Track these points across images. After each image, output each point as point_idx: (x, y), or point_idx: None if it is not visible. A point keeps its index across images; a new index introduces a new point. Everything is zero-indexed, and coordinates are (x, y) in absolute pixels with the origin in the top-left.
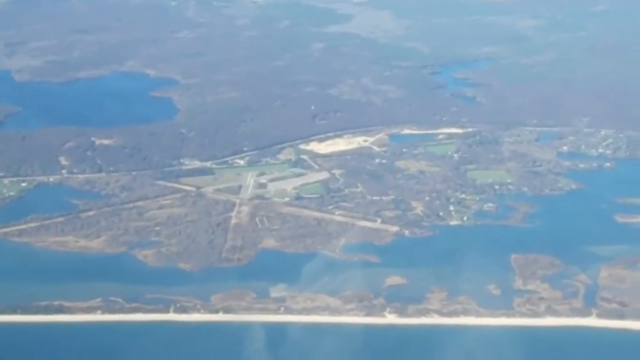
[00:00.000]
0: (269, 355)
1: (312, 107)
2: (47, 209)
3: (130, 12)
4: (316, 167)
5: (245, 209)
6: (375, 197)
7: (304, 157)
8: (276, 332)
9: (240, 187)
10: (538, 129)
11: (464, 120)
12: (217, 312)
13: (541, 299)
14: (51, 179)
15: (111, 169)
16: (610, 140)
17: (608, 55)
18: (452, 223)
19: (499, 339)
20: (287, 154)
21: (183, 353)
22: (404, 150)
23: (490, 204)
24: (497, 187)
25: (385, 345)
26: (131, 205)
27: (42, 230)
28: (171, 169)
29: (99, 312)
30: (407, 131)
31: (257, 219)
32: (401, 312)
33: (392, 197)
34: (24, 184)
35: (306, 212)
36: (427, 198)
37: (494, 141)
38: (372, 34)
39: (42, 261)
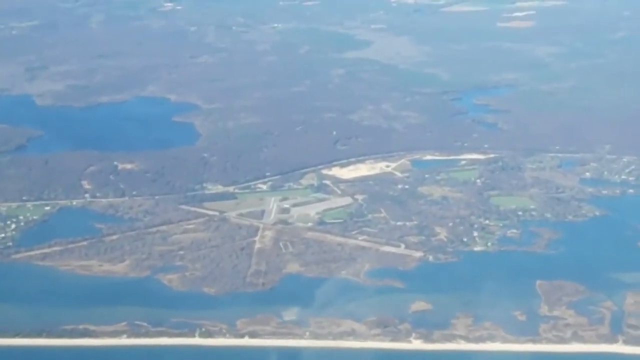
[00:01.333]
0: None
1: (334, 133)
2: (70, 233)
3: (151, 37)
4: (339, 192)
5: (268, 233)
6: (398, 223)
7: (327, 182)
8: (302, 357)
9: (263, 211)
10: (560, 155)
11: (485, 146)
12: (242, 336)
13: (567, 325)
14: (74, 203)
15: (134, 193)
16: (633, 167)
17: (628, 82)
18: (476, 249)
19: None
20: (309, 179)
21: None
22: (427, 176)
23: (514, 230)
24: (520, 213)
25: None
26: (155, 229)
27: (66, 254)
28: (194, 193)
29: (125, 336)
30: (429, 157)
31: (280, 244)
32: (427, 338)
33: (416, 222)
34: (47, 208)
35: (330, 237)
36: (450, 224)
37: (516, 167)
38: (392, 60)
39: (67, 285)
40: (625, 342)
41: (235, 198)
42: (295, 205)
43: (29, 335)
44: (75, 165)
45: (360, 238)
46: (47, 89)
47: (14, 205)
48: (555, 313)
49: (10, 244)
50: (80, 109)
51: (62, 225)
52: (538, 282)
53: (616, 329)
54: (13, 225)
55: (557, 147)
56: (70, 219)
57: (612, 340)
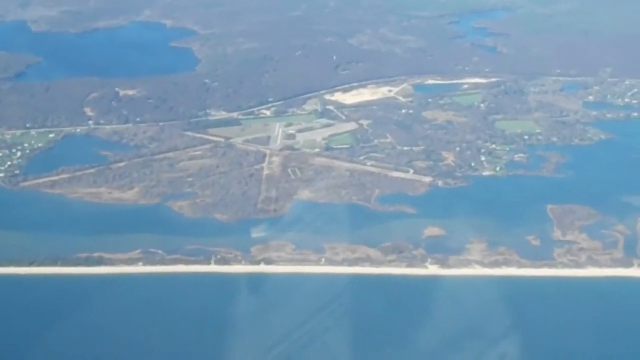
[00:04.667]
0: (315, 305)
1: (334, 57)
2: (77, 160)
3: None
4: (343, 117)
5: (276, 159)
6: (405, 148)
7: (330, 107)
8: (320, 283)
9: (269, 137)
10: (562, 78)
11: (486, 70)
12: (258, 263)
13: (581, 249)
14: (78, 130)
15: (138, 119)
16: (636, 90)
17: (626, 4)
18: (484, 173)
19: (543, 290)
20: (312, 105)
21: (229, 304)
22: (430, 100)
23: (521, 154)
24: (526, 137)
25: (431, 296)
26: (161, 156)
27: (75, 181)
28: (198, 119)
29: (140, 263)
30: (430, 81)
31: (289, 170)
32: (443, 263)
33: (422, 147)
34: (51, 135)
35: (337, 163)
36: (457, 148)
37: (519, 91)
38: None
39: (78, 213)
40: None
41: (240, 124)
42: (300, 130)
43: (43, 264)
44: (76, 92)
45: (368, 164)
46: (41, 15)
47: (18, 132)
48: (569, 237)
49: (18, 171)
50: (77, 35)
51: (68, 152)
52: (549, 206)
53: (630, 253)
54: (19, 153)
55: (559, 71)
56: (75, 146)
57: (627, 264)
